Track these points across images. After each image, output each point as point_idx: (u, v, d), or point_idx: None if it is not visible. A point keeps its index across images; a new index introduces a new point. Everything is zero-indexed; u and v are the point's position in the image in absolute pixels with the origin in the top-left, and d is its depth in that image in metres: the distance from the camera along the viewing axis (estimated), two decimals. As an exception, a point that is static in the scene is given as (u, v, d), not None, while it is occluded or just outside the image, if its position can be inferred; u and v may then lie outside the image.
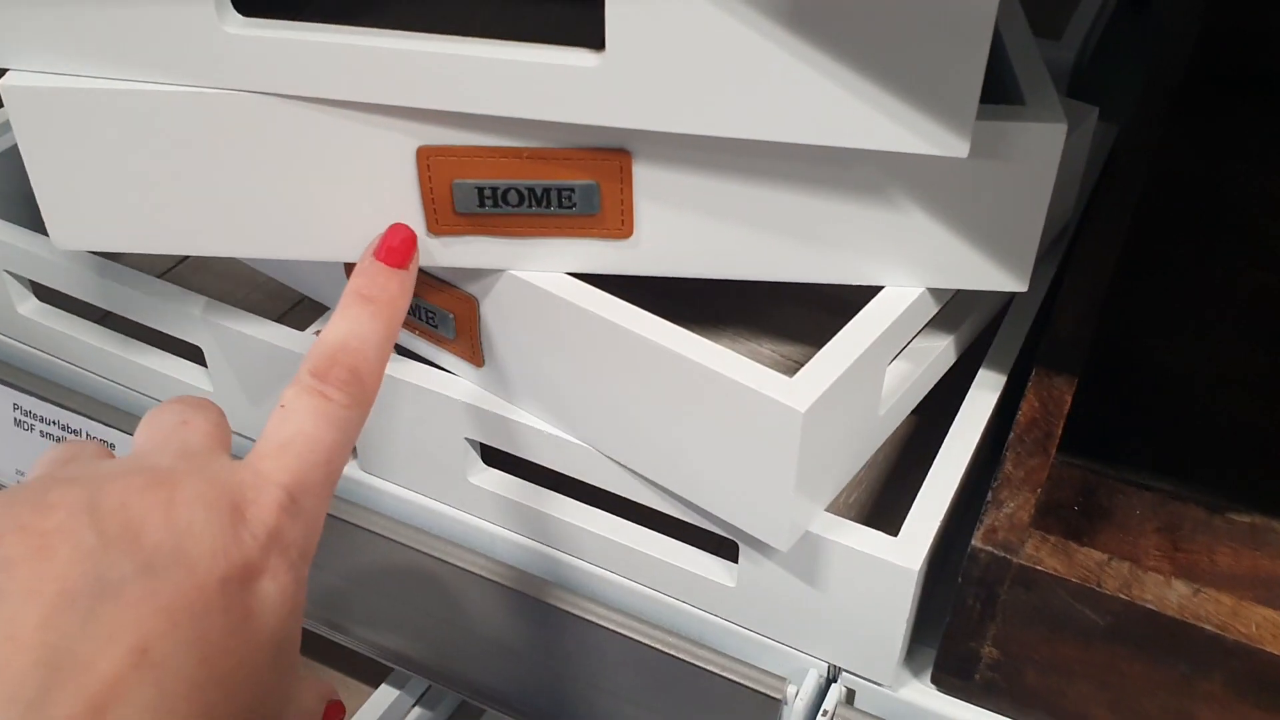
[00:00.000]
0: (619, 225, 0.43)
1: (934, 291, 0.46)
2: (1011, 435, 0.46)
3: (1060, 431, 0.47)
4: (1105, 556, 0.42)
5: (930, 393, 0.50)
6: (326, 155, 0.42)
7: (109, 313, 0.57)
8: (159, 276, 0.55)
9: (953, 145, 0.38)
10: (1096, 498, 0.53)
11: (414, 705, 0.69)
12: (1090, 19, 0.77)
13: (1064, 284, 0.53)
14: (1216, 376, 0.58)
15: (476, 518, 0.53)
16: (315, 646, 0.73)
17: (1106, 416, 0.56)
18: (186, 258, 0.66)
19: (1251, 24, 0.77)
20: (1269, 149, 0.73)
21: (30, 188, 0.56)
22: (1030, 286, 0.54)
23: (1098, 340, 0.56)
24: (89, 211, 0.44)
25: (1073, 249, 0.56)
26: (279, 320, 0.53)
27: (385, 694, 0.67)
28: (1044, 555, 0.42)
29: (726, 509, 0.44)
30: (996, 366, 0.51)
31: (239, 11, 0.40)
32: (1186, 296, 0.63)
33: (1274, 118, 0.75)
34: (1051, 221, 0.55)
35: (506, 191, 0.42)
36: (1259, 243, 0.66)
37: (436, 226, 0.43)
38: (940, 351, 0.49)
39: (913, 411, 0.52)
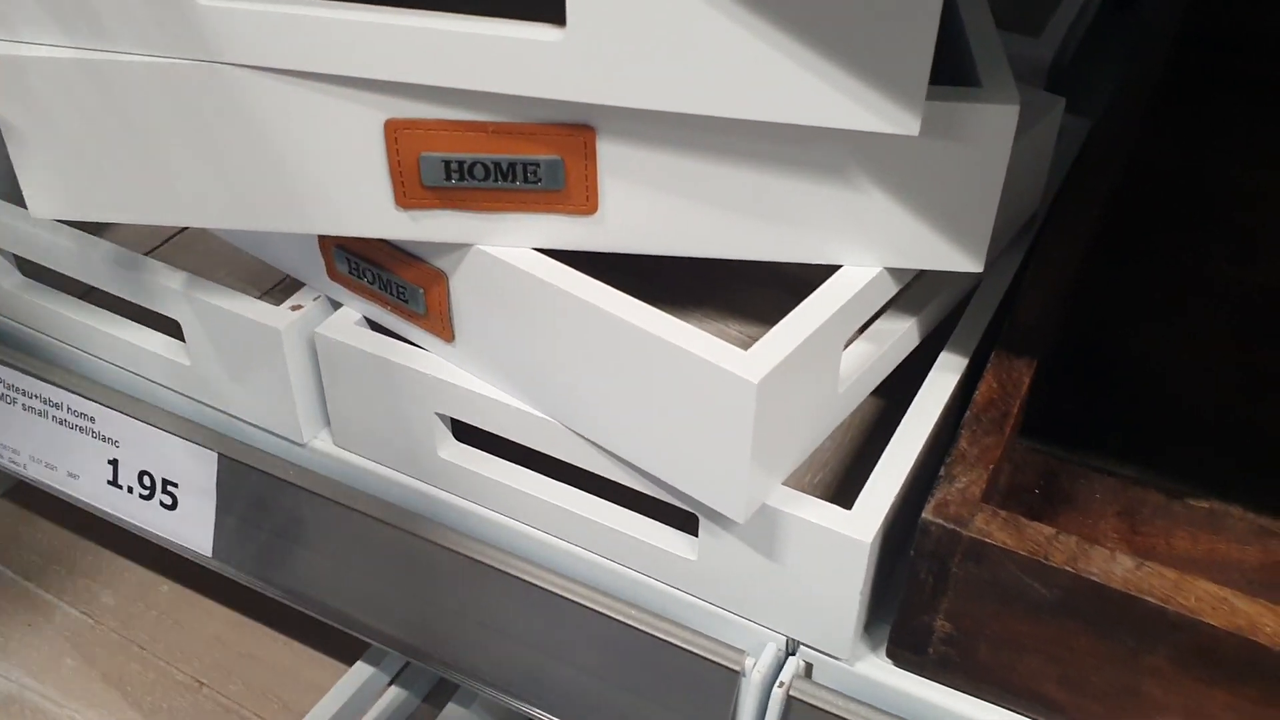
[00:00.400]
0: (584, 201, 0.44)
1: (893, 272, 0.46)
2: (968, 414, 0.47)
3: (1017, 412, 0.48)
4: (1053, 531, 0.43)
5: (899, 377, 0.51)
6: (296, 127, 0.43)
7: (92, 288, 0.58)
8: (145, 255, 0.56)
9: (904, 123, 0.39)
10: (1058, 482, 0.54)
11: (390, 683, 0.70)
12: (1071, 17, 0.78)
13: (1028, 270, 0.54)
14: (1184, 366, 0.59)
15: (446, 492, 0.54)
16: (289, 620, 0.74)
17: (1073, 403, 0.57)
18: (171, 237, 0.67)
19: (1231, 24, 0.78)
20: (1245, 145, 0.73)
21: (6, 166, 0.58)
22: (997, 273, 0.56)
23: (1067, 328, 0.57)
24: (65, 181, 0.45)
25: (1040, 237, 0.57)
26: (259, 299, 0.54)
27: (360, 671, 0.68)
28: (993, 529, 0.43)
29: (686, 481, 0.45)
30: (959, 349, 0.51)
31: (212, -15, 0.41)
32: (1159, 287, 0.63)
33: (1250, 115, 0.76)
34: (1019, 209, 0.56)
35: (473, 165, 0.43)
36: (1232, 236, 0.67)
37: (404, 200, 0.44)
38: (903, 333, 0.50)
39: (882, 396, 0.53)
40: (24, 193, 0.45)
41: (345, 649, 0.71)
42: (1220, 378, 0.58)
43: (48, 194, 0.45)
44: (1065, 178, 0.62)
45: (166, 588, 0.78)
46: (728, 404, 0.41)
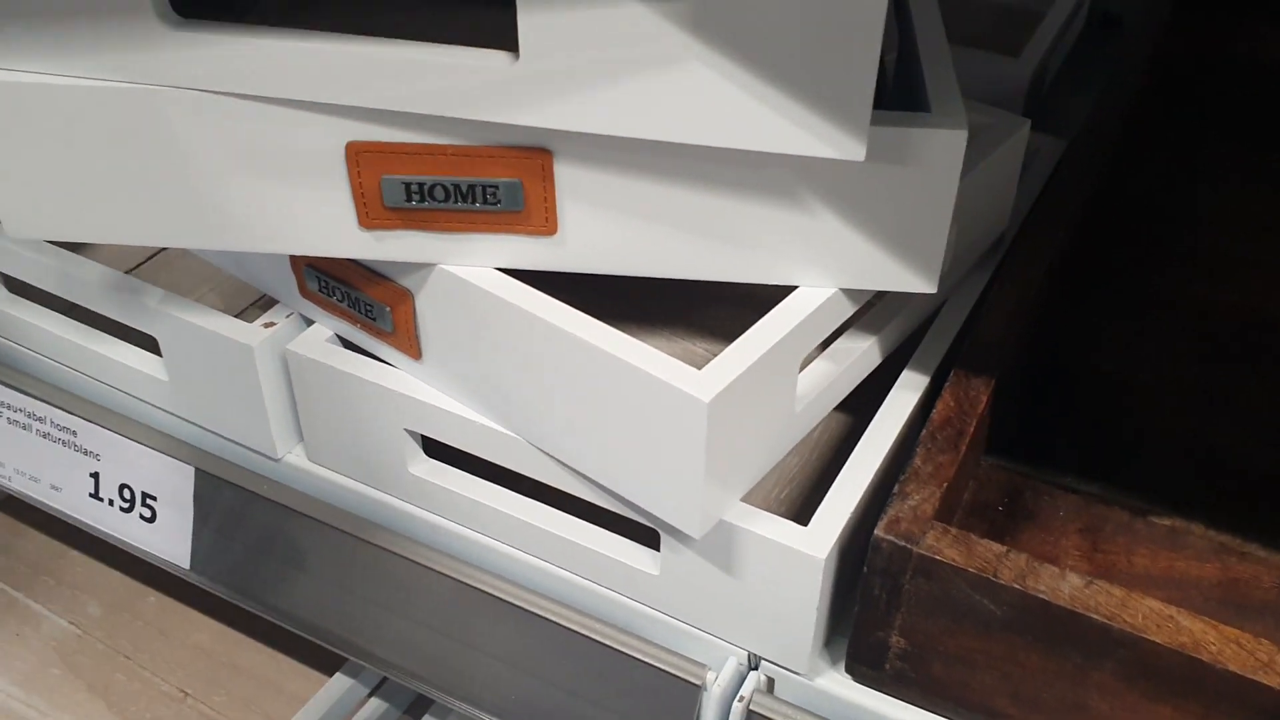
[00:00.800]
0: (543, 222, 0.45)
1: (849, 292, 0.47)
2: (924, 431, 0.48)
3: (974, 430, 0.49)
4: (1003, 548, 0.43)
5: (871, 395, 0.52)
6: (262, 150, 0.44)
7: (76, 304, 0.59)
8: (126, 272, 0.57)
9: (850, 149, 0.39)
10: (1023, 500, 0.54)
11: (369, 695, 0.70)
12: (1051, 38, 0.79)
13: (991, 290, 0.55)
14: (1150, 385, 0.60)
15: (417, 507, 0.55)
16: (269, 632, 0.75)
17: (1038, 421, 0.57)
18: (153, 255, 0.68)
19: (1207, 46, 0.79)
20: (1215, 168, 0.74)
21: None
22: (962, 292, 0.56)
23: (1033, 347, 0.57)
24: (39, 202, 0.46)
25: (1006, 257, 0.58)
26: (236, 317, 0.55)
27: (339, 683, 0.69)
28: (944, 546, 0.43)
29: (644, 497, 0.46)
30: (920, 368, 0.52)
31: (179, 13, 0.42)
32: (1126, 307, 0.64)
33: (1221, 138, 0.76)
34: (985, 229, 0.57)
35: (433, 187, 0.44)
36: (1199, 256, 0.67)
37: (367, 220, 0.45)
38: (862, 353, 0.51)
39: (852, 413, 0.54)
40: (0, 214, 0.46)
41: (329, 661, 0.72)
42: (1184, 397, 0.59)
43: (22, 215, 0.46)
44: (1036, 198, 0.62)
45: (153, 598, 0.79)
46: (681, 422, 0.42)
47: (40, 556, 0.82)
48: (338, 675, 0.70)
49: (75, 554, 0.82)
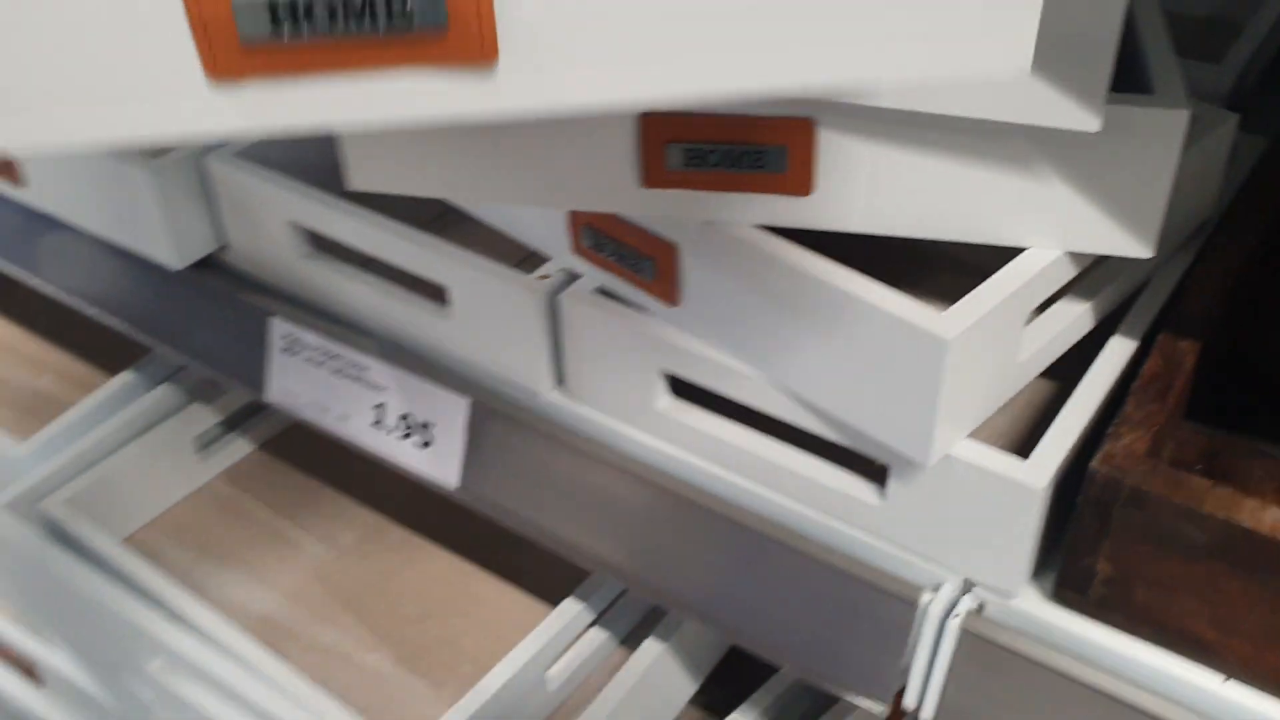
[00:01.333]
0: (801, 184, 0.52)
1: (1073, 256, 0.53)
2: (1135, 384, 0.53)
3: (1180, 387, 0.54)
4: (1209, 483, 0.48)
5: (1071, 365, 0.57)
6: (571, 122, 0.52)
7: (370, 258, 0.68)
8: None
9: (1087, 121, 0.45)
10: (1219, 461, 0.58)
11: (591, 624, 0.78)
12: (1253, 46, 0.82)
13: (1196, 266, 0.60)
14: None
15: (662, 440, 0.62)
16: (501, 566, 0.84)
17: (1236, 391, 0.62)
18: (431, 220, 0.77)
19: None
20: None
21: (304, 154, 0.69)
22: (1169, 269, 0.61)
23: (1231, 320, 0.62)
24: (380, 160, 0.55)
25: (1210, 239, 0.62)
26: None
27: (568, 609, 0.77)
28: (1154, 478, 0.48)
29: (882, 430, 0.52)
30: (1130, 333, 0.57)
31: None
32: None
33: None
34: (1191, 211, 0.61)
35: (709, 152, 0.52)
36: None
37: (649, 181, 0.53)
38: (1079, 314, 0.56)
39: (1054, 380, 0.59)
40: (348, 168, 0.56)
41: (556, 592, 0.80)
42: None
43: (366, 170, 0.56)
44: (1239, 188, 0.66)
45: (397, 532, 0.89)
46: (924, 359, 0.48)
47: (300, 493, 0.93)
48: (566, 601, 0.78)
49: (329, 490, 0.93)
